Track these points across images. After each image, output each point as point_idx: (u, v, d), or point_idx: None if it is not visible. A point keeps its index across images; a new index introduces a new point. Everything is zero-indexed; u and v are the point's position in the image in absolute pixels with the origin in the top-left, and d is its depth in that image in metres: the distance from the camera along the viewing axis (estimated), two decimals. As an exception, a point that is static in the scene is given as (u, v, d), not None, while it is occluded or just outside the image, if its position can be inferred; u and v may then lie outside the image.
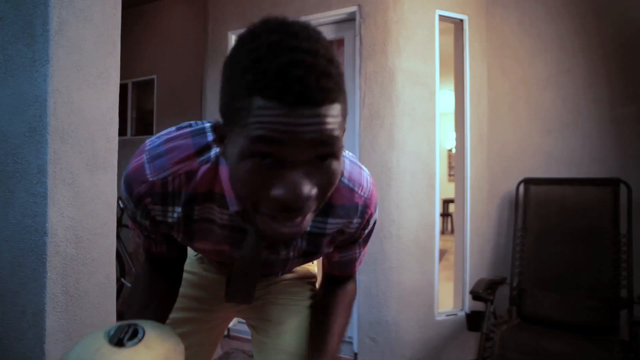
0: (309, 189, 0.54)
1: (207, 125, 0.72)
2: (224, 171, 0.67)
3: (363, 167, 0.79)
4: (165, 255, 0.83)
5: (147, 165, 0.68)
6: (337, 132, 0.53)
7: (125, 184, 0.70)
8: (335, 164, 0.56)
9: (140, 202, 0.70)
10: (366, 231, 0.81)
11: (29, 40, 1.42)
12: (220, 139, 0.60)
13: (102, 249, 1.55)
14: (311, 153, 0.53)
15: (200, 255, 1.02)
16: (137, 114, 4.76)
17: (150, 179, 0.68)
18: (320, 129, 0.52)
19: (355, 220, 0.76)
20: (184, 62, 4.20)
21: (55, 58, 1.41)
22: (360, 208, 0.75)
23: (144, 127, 4.63)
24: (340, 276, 0.92)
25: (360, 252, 0.87)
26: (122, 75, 1.69)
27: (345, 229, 0.77)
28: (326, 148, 0.54)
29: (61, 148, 1.43)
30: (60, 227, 1.42)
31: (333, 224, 0.75)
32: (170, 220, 0.71)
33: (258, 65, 0.50)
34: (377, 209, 0.81)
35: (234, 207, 0.67)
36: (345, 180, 0.73)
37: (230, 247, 0.76)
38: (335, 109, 0.53)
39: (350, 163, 0.76)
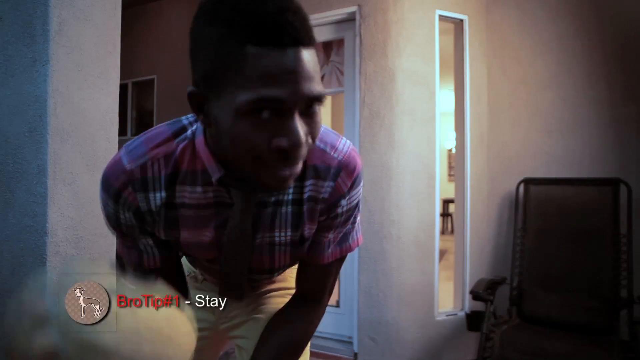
0: (305, 136, 0.56)
1: (183, 117, 0.73)
2: (200, 144, 0.67)
3: (343, 137, 0.75)
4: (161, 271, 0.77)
5: (124, 158, 0.68)
6: (320, 75, 0.57)
7: (103, 184, 0.69)
8: (319, 110, 0.58)
9: (120, 195, 0.68)
10: (344, 206, 0.74)
11: (29, 40, 1.42)
12: (199, 107, 0.59)
13: (102, 249, 1.54)
14: (306, 95, 0.54)
15: (192, 273, 0.99)
16: (137, 114, 4.76)
17: (129, 167, 0.67)
18: (313, 69, 0.55)
19: (326, 184, 0.71)
20: (184, 62, 4.17)
21: (55, 58, 1.41)
22: (332, 170, 0.71)
23: (144, 127, 4.62)
24: (309, 282, 0.83)
25: (331, 239, 0.77)
26: (122, 75, 1.68)
27: (317, 194, 0.72)
28: (318, 89, 0.56)
29: (61, 148, 1.43)
30: (60, 227, 1.42)
31: (307, 186, 0.72)
32: (154, 207, 0.69)
33: (245, 14, 0.52)
34: (358, 184, 0.74)
35: (216, 174, 0.66)
36: (317, 142, 0.67)
37: (216, 231, 0.72)
38: (314, 52, 0.56)
39: (325, 129, 0.72)
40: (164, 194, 0.68)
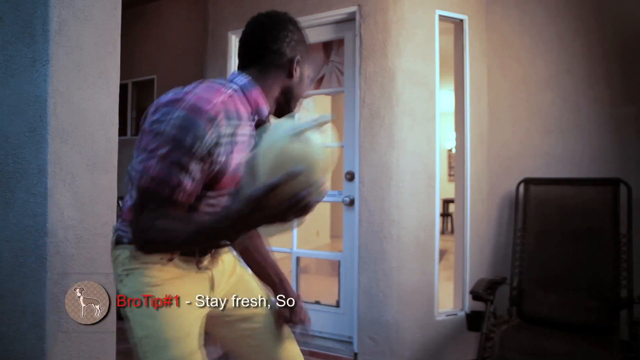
0: None
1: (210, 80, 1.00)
2: (257, 93, 1.01)
3: None
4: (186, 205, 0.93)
5: (205, 94, 0.90)
6: None
7: (194, 113, 0.86)
8: None
9: (213, 122, 0.87)
10: None
11: (29, 40, 1.43)
12: (295, 68, 1.05)
13: (102, 249, 1.55)
14: None
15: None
16: (137, 114, 4.76)
17: (217, 100, 0.90)
18: None
19: None
20: (184, 62, 4.20)
21: (55, 58, 1.41)
22: None
23: (144, 127, 4.62)
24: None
25: None
26: (122, 75, 1.69)
27: None
28: None
29: (61, 148, 1.43)
30: (60, 227, 1.42)
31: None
32: (229, 132, 0.91)
33: (305, 42, 1.09)
34: None
35: (267, 110, 1.02)
36: None
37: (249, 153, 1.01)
38: None
39: None
40: (235, 122, 0.93)
